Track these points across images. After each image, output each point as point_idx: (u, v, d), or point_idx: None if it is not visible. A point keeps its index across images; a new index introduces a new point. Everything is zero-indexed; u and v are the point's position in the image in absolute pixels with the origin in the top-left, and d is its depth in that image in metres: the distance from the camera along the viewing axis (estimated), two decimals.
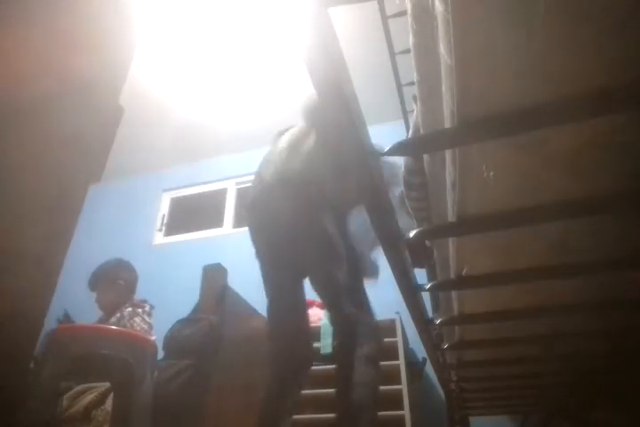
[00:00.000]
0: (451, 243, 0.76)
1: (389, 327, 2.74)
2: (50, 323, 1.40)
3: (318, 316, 2.95)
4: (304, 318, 1.83)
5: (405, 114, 2.46)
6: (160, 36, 3.34)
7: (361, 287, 1.76)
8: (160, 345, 2.03)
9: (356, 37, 2.97)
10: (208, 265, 2.42)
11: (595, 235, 0.69)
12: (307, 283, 1.83)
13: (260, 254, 1.89)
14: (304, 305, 1.86)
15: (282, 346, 1.72)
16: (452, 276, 0.81)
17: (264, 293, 1.84)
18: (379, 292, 3.00)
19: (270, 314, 1.80)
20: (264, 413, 1.66)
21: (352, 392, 1.48)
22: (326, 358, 2.68)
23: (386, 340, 2.70)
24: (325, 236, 1.66)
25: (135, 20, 0.99)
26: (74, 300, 2.36)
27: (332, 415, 2.41)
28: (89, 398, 1.82)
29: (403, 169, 1.07)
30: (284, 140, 1.92)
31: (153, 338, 2.06)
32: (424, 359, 2.78)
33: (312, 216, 1.69)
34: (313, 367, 2.72)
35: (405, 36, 0.63)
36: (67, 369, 1.47)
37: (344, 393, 1.52)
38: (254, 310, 2.76)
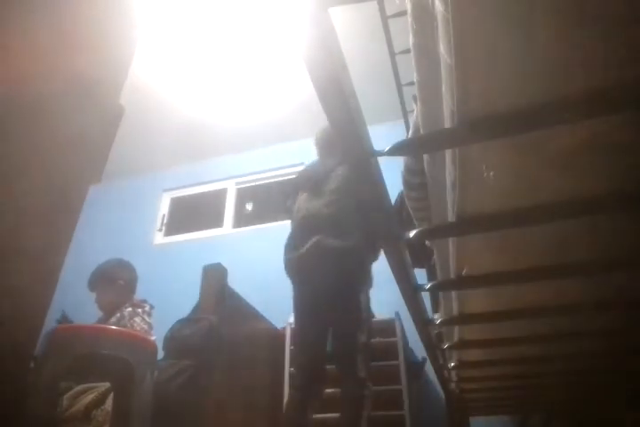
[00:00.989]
0: (451, 243, 0.76)
1: (389, 327, 2.74)
2: (49, 324, 1.40)
3: None
4: (323, 348, 2.08)
5: (405, 114, 2.46)
6: (161, 36, 3.34)
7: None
8: (160, 345, 2.03)
9: (356, 37, 2.97)
10: (208, 265, 2.42)
11: (594, 235, 0.69)
12: None
13: (298, 304, 2.16)
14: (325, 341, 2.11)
15: (304, 363, 2.03)
16: (452, 276, 0.81)
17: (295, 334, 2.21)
18: (379, 292, 3.01)
19: (297, 343, 2.15)
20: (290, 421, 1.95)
21: None
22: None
23: (386, 340, 2.71)
24: (358, 308, 1.97)
25: (136, 20, 0.99)
26: (74, 300, 2.36)
27: (331, 415, 2.42)
28: (89, 398, 1.82)
29: (403, 168, 1.07)
30: (321, 204, 2.15)
31: (153, 338, 2.06)
32: (424, 359, 2.78)
33: (349, 287, 2.00)
34: None
35: (405, 36, 0.63)
36: (67, 369, 1.47)
37: None
38: (254, 310, 2.76)
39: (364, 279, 2.05)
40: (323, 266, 2.00)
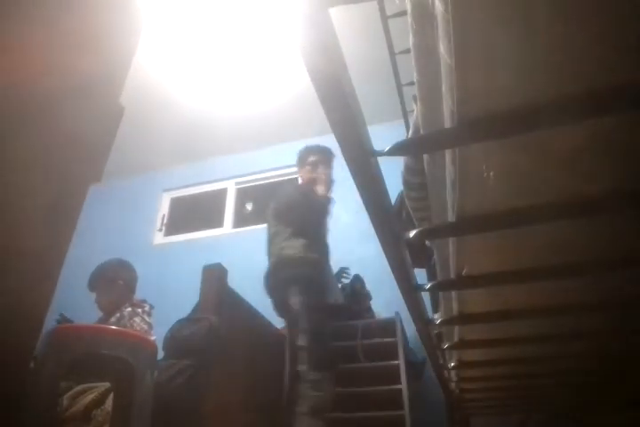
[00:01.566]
0: (451, 243, 0.76)
1: (389, 327, 2.74)
2: (49, 324, 1.39)
3: None
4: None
5: (405, 114, 2.46)
6: (161, 35, 3.34)
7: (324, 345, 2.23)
8: (160, 345, 2.03)
9: (356, 37, 2.97)
10: (208, 265, 2.41)
11: (594, 235, 0.69)
12: None
13: None
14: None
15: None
16: (452, 276, 0.81)
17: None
18: (379, 292, 3.00)
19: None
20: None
21: None
22: None
23: (386, 340, 2.71)
24: (287, 310, 2.30)
25: (136, 19, 0.99)
26: (73, 300, 2.36)
27: (331, 415, 2.41)
28: (89, 398, 1.82)
29: (403, 168, 1.07)
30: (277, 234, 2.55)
31: (153, 338, 2.06)
32: (424, 359, 2.78)
33: (281, 292, 2.35)
34: None
35: (405, 36, 0.63)
36: (67, 369, 1.47)
37: None
38: (254, 310, 2.76)
39: (293, 282, 2.29)
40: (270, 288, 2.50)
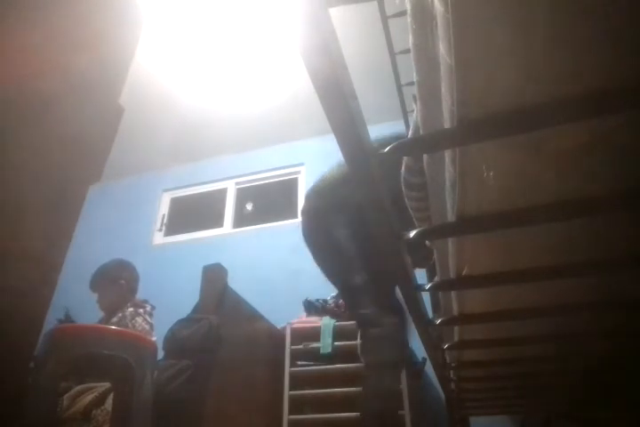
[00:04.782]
0: (451, 243, 0.76)
1: None
2: (50, 323, 1.39)
3: None
4: None
5: (405, 114, 2.45)
6: (161, 35, 3.34)
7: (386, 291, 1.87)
8: (160, 345, 2.03)
9: (356, 37, 2.97)
10: (208, 265, 2.42)
11: (595, 235, 0.69)
12: None
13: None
14: None
15: None
16: (452, 276, 0.81)
17: None
18: None
19: None
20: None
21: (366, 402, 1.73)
22: (326, 358, 2.68)
23: None
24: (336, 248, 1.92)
25: (137, 19, 0.99)
26: (75, 300, 2.36)
27: (331, 415, 2.41)
28: (89, 398, 1.82)
29: (403, 168, 1.07)
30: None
31: (154, 338, 2.06)
32: (424, 359, 2.78)
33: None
34: (313, 367, 2.73)
35: (405, 36, 0.63)
36: (67, 369, 1.47)
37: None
38: (254, 310, 2.77)
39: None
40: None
